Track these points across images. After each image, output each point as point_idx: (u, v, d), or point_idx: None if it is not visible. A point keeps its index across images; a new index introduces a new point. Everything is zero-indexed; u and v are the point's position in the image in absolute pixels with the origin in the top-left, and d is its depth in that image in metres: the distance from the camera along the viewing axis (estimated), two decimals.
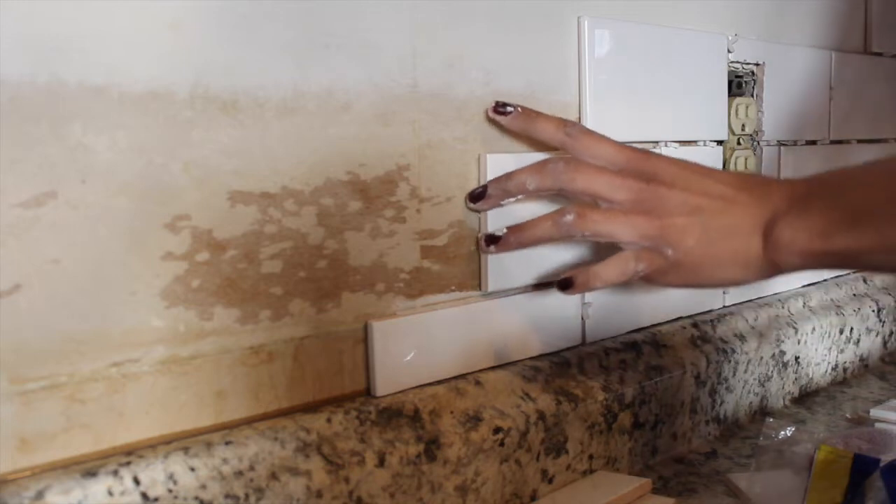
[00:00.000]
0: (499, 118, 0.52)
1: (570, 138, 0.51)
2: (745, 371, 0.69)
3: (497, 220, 0.53)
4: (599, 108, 0.59)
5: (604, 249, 0.53)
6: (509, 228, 0.52)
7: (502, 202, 0.52)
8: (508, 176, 0.51)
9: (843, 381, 0.83)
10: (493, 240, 0.52)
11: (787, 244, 0.47)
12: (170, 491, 0.38)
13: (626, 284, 0.52)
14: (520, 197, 0.52)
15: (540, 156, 0.54)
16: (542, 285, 0.57)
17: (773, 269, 0.49)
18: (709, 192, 0.49)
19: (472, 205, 0.52)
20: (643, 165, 0.50)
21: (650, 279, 0.51)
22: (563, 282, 0.52)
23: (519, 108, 0.52)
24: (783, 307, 0.77)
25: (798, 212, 0.47)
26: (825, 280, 0.86)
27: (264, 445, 0.42)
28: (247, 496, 0.40)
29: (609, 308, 0.62)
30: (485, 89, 0.52)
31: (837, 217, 0.45)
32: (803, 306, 0.80)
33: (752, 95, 0.74)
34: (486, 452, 0.49)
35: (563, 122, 0.52)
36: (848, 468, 0.51)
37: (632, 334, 0.64)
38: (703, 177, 0.50)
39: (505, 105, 0.52)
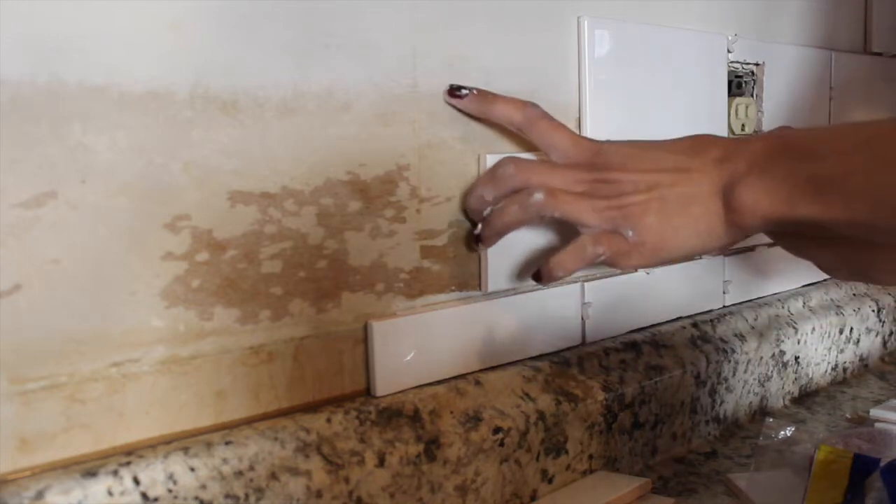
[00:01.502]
0: (454, 101, 0.51)
1: (527, 122, 0.51)
2: (745, 371, 0.69)
3: None
4: (599, 108, 0.59)
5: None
6: (482, 223, 0.51)
7: (483, 216, 0.51)
8: (469, 192, 0.51)
9: (843, 381, 0.83)
10: (477, 238, 0.52)
11: (749, 208, 0.46)
12: (170, 491, 0.38)
13: (589, 268, 0.51)
14: (488, 210, 0.51)
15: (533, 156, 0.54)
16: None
17: (738, 232, 0.48)
18: (662, 165, 0.49)
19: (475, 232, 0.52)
20: (594, 156, 0.50)
21: (613, 263, 0.50)
22: (534, 274, 0.51)
23: (475, 91, 0.51)
24: (783, 307, 0.77)
25: (759, 173, 0.46)
26: (825, 280, 0.86)
27: (264, 445, 0.42)
28: (247, 496, 0.40)
29: (609, 308, 0.62)
30: (485, 89, 0.52)
31: (803, 184, 0.44)
32: (803, 306, 0.80)
33: (752, 95, 0.74)
34: (486, 452, 0.49)
35: (523, 105, 0.51)
36: (848, 468, 0.51)
37: (632, 334, 0.64)
38: (654, 151, 0.50)
39: (460, 88, 0.51)
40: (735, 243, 0.49)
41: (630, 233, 0.49)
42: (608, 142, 0.51)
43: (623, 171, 0.49)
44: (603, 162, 0.50)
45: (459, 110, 0.51)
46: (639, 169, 0.49)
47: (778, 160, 0.45)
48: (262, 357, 0.44)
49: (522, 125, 0.51)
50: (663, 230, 0.48)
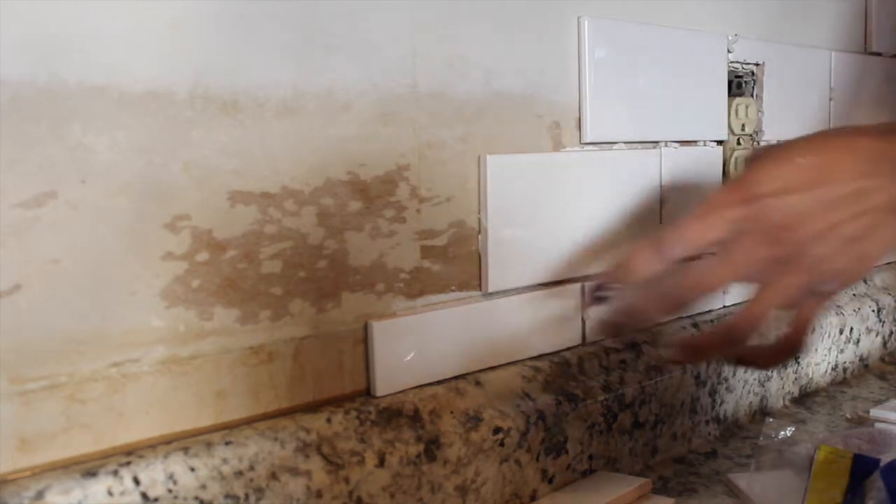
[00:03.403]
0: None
1: (666, 263, 0.47)
2: (745, 371, 0.69)
3: (498, 220, 0.53)
4: (599, 108, 0.59)
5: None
6: (622, 311, 0.49)
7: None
8: (656, 248, 0.47)
9: (843, 381, 0.83)
10: (597, 299, 0.51)
11: None
12: (170, 491, 0.38)
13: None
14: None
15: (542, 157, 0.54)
16: (541, 285, 0.57)
17: None
18: (838, 194, 0.45)
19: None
20: (757, 217, 0.45)
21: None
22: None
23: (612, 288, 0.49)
24: None
25: None
26: None
27: (264, 445, 0.42)
28: (247, 496, 0.40)
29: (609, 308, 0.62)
30: (485, 89, 0.52)
31: None
32: None
33: (752, 95, 0.74)
34: (486, 452, 0.49)
35: (656, 247, 0.47)
36: (848, 468, 0.51)
37: (632, 334, 0.64)
38: (816, 190, 0.45)
39: (599, 287, 0.49)
40: None
41: (827, 286, 0.47)
42: (758, 189, 0.45)
43: (802, 227, 0.45)
44: (771, 220, 0.45)
45: (460, 110, 0.51)
46: (817, 217, 0.45)
47: None
48: (262, 357, 0.44)
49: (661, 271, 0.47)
50: (853, 264, 0.46)
